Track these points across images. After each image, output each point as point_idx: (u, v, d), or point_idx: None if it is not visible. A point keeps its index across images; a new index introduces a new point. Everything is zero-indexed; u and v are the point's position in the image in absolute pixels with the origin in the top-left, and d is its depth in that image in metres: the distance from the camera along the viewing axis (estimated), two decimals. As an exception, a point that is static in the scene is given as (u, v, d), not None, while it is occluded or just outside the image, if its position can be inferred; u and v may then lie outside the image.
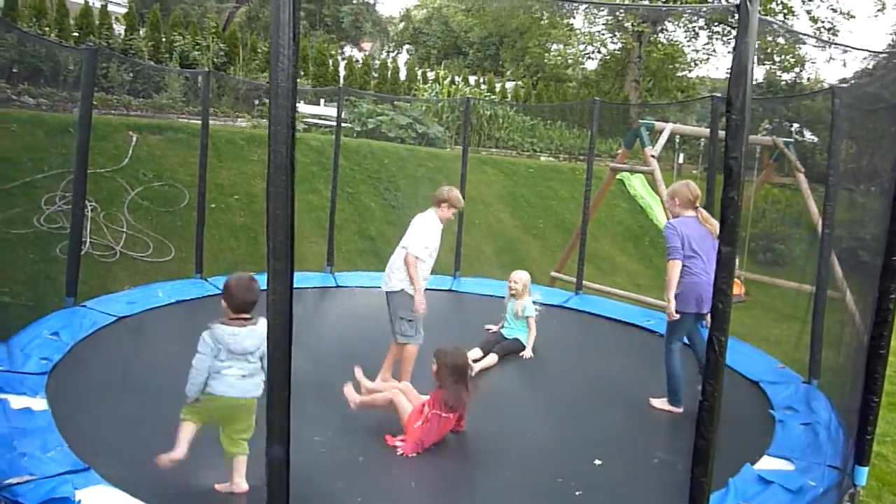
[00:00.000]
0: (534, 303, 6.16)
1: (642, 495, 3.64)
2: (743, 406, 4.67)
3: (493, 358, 5.78)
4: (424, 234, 4.96)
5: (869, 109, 5.35)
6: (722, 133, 7.06)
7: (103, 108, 11.49)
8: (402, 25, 36.67)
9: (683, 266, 4.61)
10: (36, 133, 8.87)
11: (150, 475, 3.32)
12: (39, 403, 3.97)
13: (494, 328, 6.21)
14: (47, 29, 12.61)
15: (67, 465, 3.30)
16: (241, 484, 3.35)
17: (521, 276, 6.20)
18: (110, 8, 14.91)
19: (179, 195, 9.21)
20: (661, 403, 4.76)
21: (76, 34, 13.23)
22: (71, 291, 5.88)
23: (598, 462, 3.92)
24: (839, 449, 3.93)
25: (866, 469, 3.65)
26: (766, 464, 3.85)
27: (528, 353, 6.00)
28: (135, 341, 5.27)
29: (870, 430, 3.55)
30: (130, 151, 9.41)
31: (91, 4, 13.89)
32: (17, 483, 3.04)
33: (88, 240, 7.79)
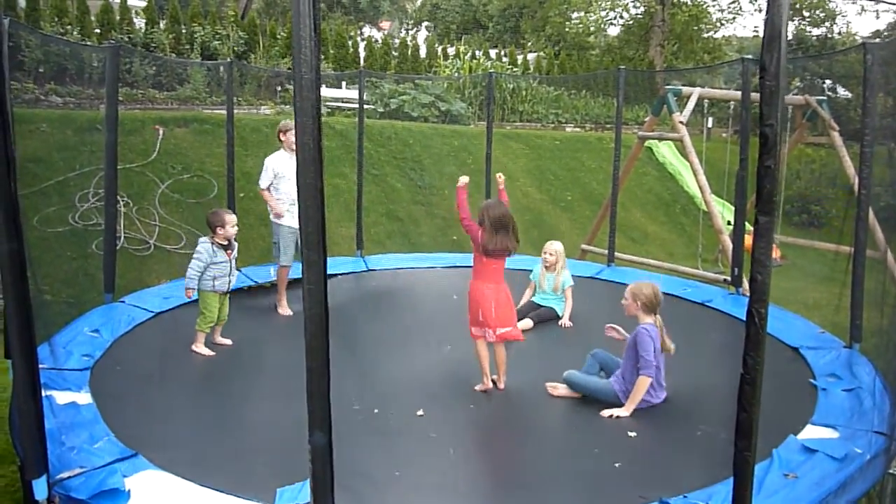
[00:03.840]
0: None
1: (682, 467, 3.60)
2: (784, 374, 4.59)
3: (528, 322, 5.81)
4: (263, 168, 6.13)
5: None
6: (754, 95, 6.91)
7: (129, 102, 11.61)
8: (419, 2, 36.36)
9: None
10: (65, 132, 9.02)
11: (197, 457, 3.47)
12: (84, 398, 4.07)
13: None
14: (69, 27, 12.74)
15: (115, 453, 3.39)
16: (197, 348, 5.03)
17: (556, 248, 6.16)
18: (130, 2, 15.00)
19: (208, 186, 9.31)
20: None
21: (98, 31, 13.36)
22: (109, 287, 5.98)
23: (632, 434, 3.90)
24: (885, 414, 3.85)
25: (915, 434, 3.58)
26: (810, 433, 3.79)
27: (566, 321, 5.97)
28: (172, 334, 5.37)
29: (917, 393, 3.48)
30: (158, 145, 9.51)
31: (111, 1, 13.99)
32: (69, 477, 3.13)
33: (123, 235, 7.93)
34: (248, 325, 5.75)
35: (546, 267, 6.14)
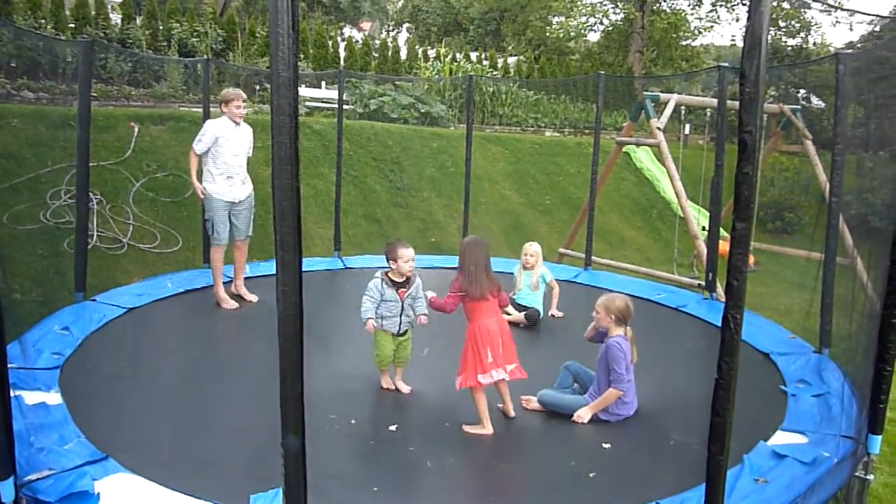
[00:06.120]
0: None
1: (656, 476, 3.62)
2: (755, 380, 4.64)
3: (519, 315, 5.97)
4: (202, 131, 5.84)
5: (877, 76, 5.26)
6: (730, 103, 7.00)
7: (104, 99, 11.45)
8: (400, 4, 36.32)
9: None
10: (37, 127, 8.86)
11: (169, 460, 3.41)
12: (54, 398, 4.00)
13: None
14: (43, 21, 12.53)
15: (85, 456, 3.33)
16: (385, 384, 4.60)
17: (536, 249, 6.31)
18: (106, -3, 14.80)
19: (184, 184, 9.19)
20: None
21: (72, 25, 13.15)
22: (80, 286, 5.88)
23: (606, 445, 3.92)
24: (852, 418, 3.92)
25: (880, 437, 3.64)
26: (780, 439, 3.84)
27: (555, 311, 6.17)
28: (145, 332, 5.30)
29: (883, 398, 3.53)
30: (133, 142, 9.39)
31: (86, -6, 13.79)
32: (37, 479, 3.07)
33: (95, 233, 7.80)
34: (223, 324, 5.70)
35: (525, 267, 6.26)
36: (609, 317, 4.30)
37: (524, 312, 6.05)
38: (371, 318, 4.43)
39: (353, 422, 4.08)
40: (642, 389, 4.38)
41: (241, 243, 6.22)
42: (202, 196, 5.81)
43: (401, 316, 4.49)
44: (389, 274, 4.49)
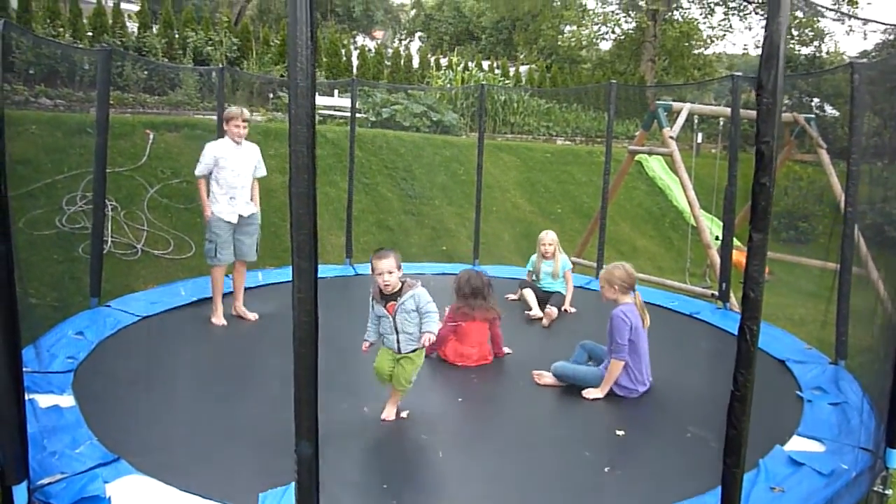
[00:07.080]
0: None
1: (672, 471, 3.59)
2: (770, 385, 4.59)
3: (553, 311, 6.03)
4: (202, 155, 5.77)
5: (893, 86, 5.23)
6: (743, 112, 6.98)
7: (119, 106, 11.56)
8: (413, 12, 36.48)
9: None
10: (55, 134, 8.96)
11: (180, 461, 3.43)
12: (67, 401, 4.02)
13: (514, 296, 6.34)
14: (61, 30, 12.69)
15: (97, 458, 3.34)
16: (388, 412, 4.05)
17: (552, 237, 6.49)
18: (123, 6, 14.97)
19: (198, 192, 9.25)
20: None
21: (90, 34, 13.31)
22: (95, 291, 5.93)
23: (620, 433, 3.92)
24: (870, 431, 3.87)
25: (898, 451, 3.59)
26: (796, 444, 3.80)
27: (568, 307, 6.26)
28: (158, 338, 5.32)
29: (902, 412, 3.49)
30: (148, 149, 9.46)
31: (104, 4, 13.95)
32: (49, 483, 3.08)
33: (110, 239, 7.86)
34: (235, 331, 5.72)
35: (544, 257, 6.41)
36: (613, 287, 4.35)
37: (550, 304, 6.10)
38: (368, 341, 4.04)
39: (365, 409, 4.12)
40: (656, 382, 4.35)
41: (241, 265, 6.00)
42: (208, 216, 5.72)
43: (397, 334, 3.93)
44: (381, 288, 3.97)
